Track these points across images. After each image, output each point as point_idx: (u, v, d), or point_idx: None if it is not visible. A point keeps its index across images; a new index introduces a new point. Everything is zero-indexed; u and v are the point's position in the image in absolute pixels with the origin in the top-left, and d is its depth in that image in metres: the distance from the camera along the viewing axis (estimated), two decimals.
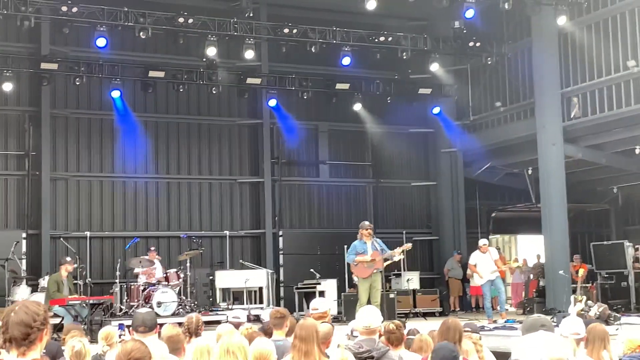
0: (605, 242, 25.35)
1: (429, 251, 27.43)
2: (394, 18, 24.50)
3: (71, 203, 23.35)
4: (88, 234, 22.71)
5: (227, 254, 23.61)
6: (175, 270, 20.24)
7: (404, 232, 25.50)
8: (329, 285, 21.27)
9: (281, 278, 24.56)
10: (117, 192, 23.87)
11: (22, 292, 18.95)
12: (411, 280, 23.43)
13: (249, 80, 23.57)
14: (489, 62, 24.09)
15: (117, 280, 19.44)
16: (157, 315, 16.78)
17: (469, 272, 23.29)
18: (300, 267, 23.41)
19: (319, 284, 21.34)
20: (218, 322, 14.26)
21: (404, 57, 23.00)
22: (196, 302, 20.35)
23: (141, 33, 20.24)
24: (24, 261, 21.39)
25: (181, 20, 20.58)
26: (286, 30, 21.83)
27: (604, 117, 21.96)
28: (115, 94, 22.56)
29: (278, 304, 22.42)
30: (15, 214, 22.74)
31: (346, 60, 22.56)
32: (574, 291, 18.98)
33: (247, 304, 20.69)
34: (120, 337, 12.22)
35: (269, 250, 24.80)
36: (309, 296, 21.30)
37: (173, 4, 21.87)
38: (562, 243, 22.32)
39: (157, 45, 23.66)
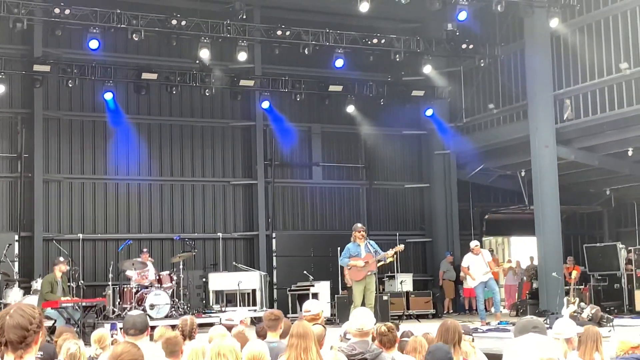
0: (598, 244, 25.41)
1: (422, 253, 27.45)
2: (386, 20, 24.53)
3: (64, 205, 23.30)
4: (81, 236, 22.67)
5: (221, 256, 23.59)
6: (168, 272, 20.22)
7: (398, 234, 25.51)
8: (323, 288, 21.27)
9: (274, 280, 24.54)
10: (109, 194, 23.83)
11: (14, 295, 18.90)
12: (404, 282, 23.45)
13: (242, 82, 23.57)
14: (482, 64, 24.12)
15: (110, 283, 19.42)
16: (150, 317, 16.81)
17: (462, 274, 23.31)
18: (293, 269, 23.40)
19: (313, 286, 21.36)
20: (211, 325, 14.24)
21: (397, 59, 23.01)
22: (189, 305, 20.32)
23: (134, 35, 20.22)
24: (16, 263, 21.33)
25: (174, 22, 20.57)
26: (279, 32, 21.83)
27: (597, 119, 22.01)
28: (108, 96, 22.54)
29: (271, 306, 22.39)
30: (7, 216, 22.68)
31: (339, 62, 22.58)
32: (567, 293, 19.06)
33: (240, 306, 20.66)
34: (112, 337, 12.21)
35: (262, 252, 24.79)
36: (303, 298, 21.27)
37: (166, 6, 21.85)
38: (555, 245, 22.34)
39: (150, 47, 23.64)
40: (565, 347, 6.78)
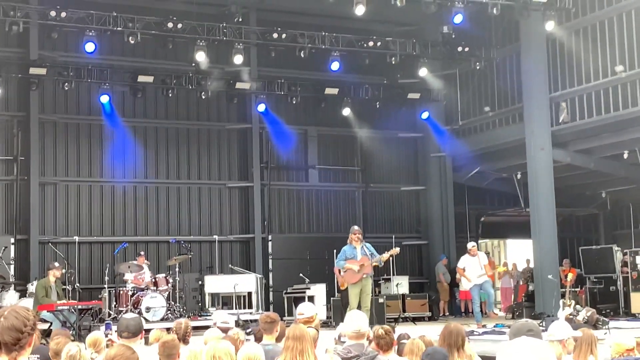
0: (594, 247, 25.44)
1: (418, 256, 27.46)
2: (382, 23, 24.55)
3: (60, 208, 23.28)
4: (77, 239, 22.62)
5: (216, 259, 23.56)
6: (164, 275, 20.22)
7: (393, 236, 25.46)
8: (318, 290, 21.26)
9: (270, 283, 24.54)
10: (105, 197, 23.81)
11: (10, 298, 18.89)
12: (400, 284, 23.44)
13: (238, 85, 23.58)
14: (478, 67, 24.14)
15: (106, 286, 19.40)
16: (146, 320, 16.83)
17: (458, 276, 23.33)
18: (289, 272, 23.38)
19: (309, 288, 21.34)
20: (207, 327, 14.22)
21: (393, 62, 23.05)
22: (185, 307, 20.32)
23: (130, 38, 20.21)
24: (12, 266, 21.33)
25: (170, 25, 20.57)
26: (275, 35, 21.83)
27: (593, 122, 22.05)
28: (104, 98, 22.55)
29: (267, 309, 22.39)
30: (3, 219, 22.64)
31: (335, 65, 22.60)
32: (563, 295, 19.04)
33: (236, 308, 20.65)
34: (107, 337, 12.20)
35: (258, 255, 24.78)
36: (299, 301, 21.23)
37: (162, 9, 21.87)
38: (551, 247, 22.37)
39: (146, 50, 23.63)
40: (560, 349, 6.79)
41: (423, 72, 23.75)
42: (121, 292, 19.03)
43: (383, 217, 27.34)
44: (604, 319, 16.83)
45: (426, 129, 26.73)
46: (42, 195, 22.93)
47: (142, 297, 18.60)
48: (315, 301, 20.49)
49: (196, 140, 25.01)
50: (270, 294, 24.37)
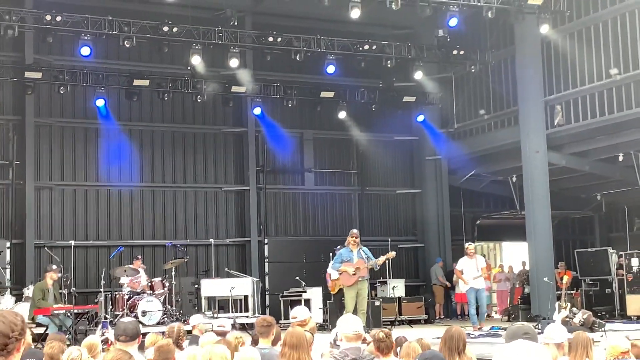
0: (589, 249, 25.48)
1: (414, 258, 27.48)
2: (378, 26, 24.59)
3: (55, 212, 23.26)
4: (72, 243, 22.57)
5: (213, 263, 23.53)
6: (160, 279, 20.20)
7: (389, 239, 25.51)
8: (315, 293, 21.25)
9: (267, 286, 24.54)
10: (101, 201, 23.80)
11: (6, 302, 18.85)
12: (396, 287, 23.45)
13: (234, 89, 23.58)
14: (473, 70, 24.18)
15: (102, 290, 19.36)
16: (142, 324, 16.82)
17: (455, 278, 23.36)
18: (285, 275, 23.40)
19: (305, 292, 21.35)
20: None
21: (389, 66, 23.08)
22: (181, 311, 20.29)
23: (125, 42, 20.23)
24: (8, 270, 21.30)
25: (166, 28, 20.59)
26: (271, 39, 21.87)
27: (587, 124, 22.09)
28: (100, 102, 22.54)
29: (263, 312, 22.38)
30: None
31: (331, 69, 22.63)
32: (559, 298, 19.08)
33: (232, 312, 20.64)
34: (103, 335, 12.19)
35: (255, 258, 24.78)
36: (295, 304, 21.22)
37: (157, 13, 21.87)
38: (547, 250, 22.39)
39: (141, 54, 23.66)
40: (556, 352, 6.80)
41: (418, 75, 23.78)
42: (117, 296, 19.01)
43: (379, 220, 27.36)
44: (600, 321, 16.87)
45: (422, 132, 26.77)
46: (37, 199, 22.91)
47: (138, 301, 18.58)
48: (312, 304, 20.50)
49: (192, 144, 25.01)
50: (267, 297, 24.38)
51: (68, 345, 8.98)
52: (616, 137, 22.24)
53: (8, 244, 21.81)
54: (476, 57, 24.12)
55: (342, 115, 25.08)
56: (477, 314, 19.25)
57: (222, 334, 9.39)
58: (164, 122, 24.66)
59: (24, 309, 17.56)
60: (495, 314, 26.85)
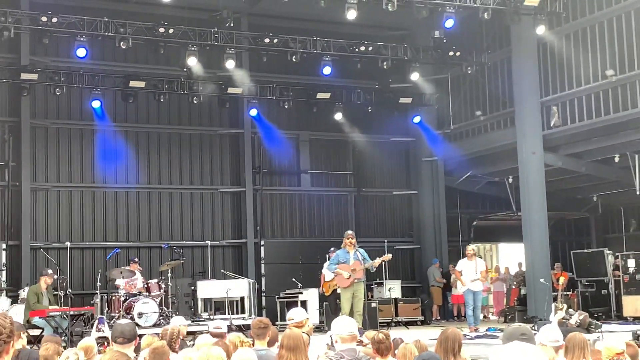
0: (585, 250, 25.50)
1: (411, 260, 27.48)
2: (374, 28, 24.59)
3: (51, 214, 23.23)
4: (68, 244, 22.57)
5: (209, 264, 23.53)
6: (156, 280, 20.17)
7: (386, 240, 25.52)
8: (311, 295, 21.24)
9: (263, 288, 24.52)
10: (97, 203, 23.78)
11: (1, 304, 18.84)
12: (393, 289, 23.45)
13: (230, 90, 23.57)
14: (469, 72, 24.17)
15: (98, 291, 19.33)
16: (139, 326, 16.78)
17: (452, 278, 23.38)
18: (282, 277, 23.38)
19: (301, 293, 21.33)
20: (200, 332, 14.21)
21: (385, 67, 23.06)
22: (177, 313, 20.25)
23: (121, 43, 20.20)
24: (3, 272, 21.28)
25: (162, 30, 20.57)
26: (267, 40, 21.86)
27: (584, 125, 22.11)
28: (96, 104, 22.52)
29: (260, 314, 22.38)
30: None
31: (327, 70, 22.62)
32: (555, 299, 19.07)
33: (228, 313, 20.63)
34: (100, 331, 12.17)
35: (251, 259, 24.77)
36: (291, 306, 21.24)
37: (153, 14, 21.84)
38: (543, 251, 22.41)
39: (137, 55, 23.65)
40: (552, 353, 6.80)
41: (415, 76, 23.78)
42: (113, 297, 18.97)
43: (375, 221, 27.36)
44: (597, 322, 16.86)
45: (418, 134, 26.77)
46: (33, 200, 22.88)
47: (134, 302, 18.55)
48: (308, 306, 20.48)
49: (188, 145, 24.99)
50: (263, 298, 24.37)
51: (64, 347, 8.96)
52: (612, 138, 22.26)
53: (4, 246, 21.80)
54: (472, 58, 24.12)
55: (338, 116, 25.07)
56: (474, 315, 19.26)
57: (218, 336, 9.37)
58: (160, 123, 24.64)
59: (19, 311, 17.55)
60: (492, 315, 26.86)
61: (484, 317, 25.12)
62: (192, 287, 21.79)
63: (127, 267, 19.99)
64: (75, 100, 23.40)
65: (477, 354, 11.67)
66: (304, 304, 20.64)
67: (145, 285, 19.68)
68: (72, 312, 16.60)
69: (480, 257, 26.56)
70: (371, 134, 26.69)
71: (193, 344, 9.26)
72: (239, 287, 21.44)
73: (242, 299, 21.60)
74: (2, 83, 22.13)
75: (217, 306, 21.58)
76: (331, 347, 8.35)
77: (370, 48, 22.76)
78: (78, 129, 23.75)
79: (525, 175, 22.70)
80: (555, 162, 23.74)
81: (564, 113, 22.59)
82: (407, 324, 22.10)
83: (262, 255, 25.05)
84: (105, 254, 22.44)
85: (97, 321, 16.90)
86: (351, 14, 19.52)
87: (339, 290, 17.89)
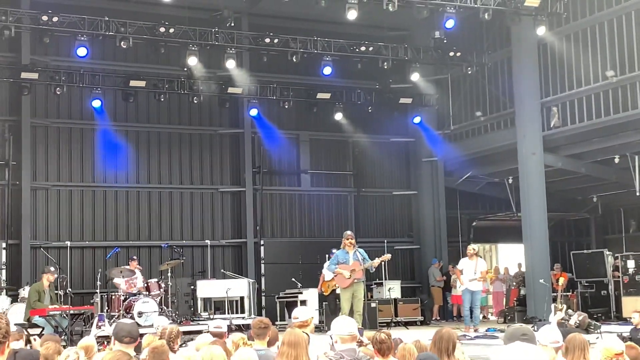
0: (585, 251, 25.51)
1: (410, 260, 27.48)
2: (374, 28, 24.57)
3: (51, 213, 23.24)
4: (68, 243, 22.57)
5: (209, 264, 23.54)
6: (156, 280, 20.18)
7: (385, 241, 25.52)
8: (311, 295, 21.25)
9: (263, 287, 24.53)
10: (97, 202, 23.78)
11: (1, 303, 18.85)
12: (392, 289, 23.45)
13: (230, 90, 23.57)
14: (469, 72, 24.17)
15: (98, 291, 19.35)
16: (138, 325, 16.77)
17: (453, 278, 23.38)
18: (281, 277, 23.38)
19: (301, 293, 21.34)
20: (199, 332, 14.23)
21: (385, 67, 23.06)
22: (177, 312, 20.28)
23: (122, 42, 20.20)
24: (3, 271, 21.30)
25: (162, 29, 20.58)
26: (267, 40, 21.86)
27: (584, 126, 22.11)
28: (96, 103, 22.52)
29: (260, 314, 22.40)
30: None
31: (327, 70, 22.63)
32: (555, 300, 19.08)
33: (228, 313, 20.65)
34: (99, 328, 12.16)
35: (251, 259, 24.77)
36: (291, 305, 21.28)
37: (154, 14, 21.85)
38: (543, 252, 22.42)
39: (138, 55, 23.64)
40: (553, 354, 6.80)
41: (415, 77, 23.79)
42: (113, 297, 18.98)
43: (375, 221, 27.37)
44: (596, 323, 16.86)
45: (418, 134, 26.78)
46: (34, 200, 22.89)
47: (134, 302, 18.56)
48: (308, 306, 20.47)
49: (188, 145, 25.00)
50: (263, 298, 24.37)
51: (63, 346, 8.96)
52: (612, 139, 22.26)
53: (4, 245, 21.80)
54: (473, 58, 24.14)
55: (338, 116, 25.08)
56: (472, 316, 19.27)
57: (218, 335, 9.38)
58: (160, 123, 24.65)
59: (19, 310, 17.56)
60: (491, 315, 26.87)
61: (484, 317, 25.12)
62: (192, 287, 21.81)
63: (127, 267, 20.00)
64: (76, 100, 23.41)
65: (477, 354, 11.69)
66: (303, 303, 20.64)
67: (145, 285, 19.70)
68: (72, 311, 16.59)
69: (481, 257, 26.62)
70: (371, 134, 26.71)
71: (183, 344, 9.29)
72: (238, 287, 21.46)
73: (242, 298, 21.62)
74: (3, 82, 22.14)
75: (217, 306, 21.60)
76: (332, 347, 8.36)
77: (370, 48, 22.78)
78: (78, 129, 23.76)
79: (525, 176, 22.71)
80: (555, 163, 23.75)
81: (564, 114, 22.60)
82: (407, 324, 22.10)
83: (262, 255, 25.06)
84: (105, 253, 22.46)
85: (97, 319, 16.91)
86: (351, 14, 19.52)
87: (338, 291, 17.90)
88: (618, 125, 21.36)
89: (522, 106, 22.83)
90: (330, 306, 19.27)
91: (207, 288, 21.56)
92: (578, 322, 16.11)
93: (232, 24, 21.84)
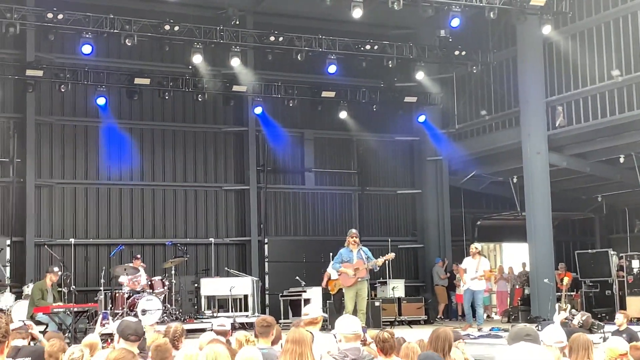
0: (589, 251, 25.45)
1: (414, 259, 27.46)
2: (379, 26, 24.57)
3: (56, 210, 23.25)
4: (73, 241, 22.59)
5: (212, 262, 23.56)
6: (160, 277, 20.21)
7: (389, 239, 25.51)
8: (315, 293, 21.24)
9: (266, 286, 24.54)
10: (102, 199, 23.79)
11: (5, 300, 18.87)
12: (396, 288, 23.44)
13: (235, 88, 23.57)
14: (474, 71, 24.15)
15: (102, 288, 19.38)
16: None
17: (458, 277, 23.37)
18: (285, 275, 23.38)
19: (305, 291, 21.34)
20: (203, 330, 14.23)
21: (390, 66, 23.05)
22: (181, 310, 20.30)
23: (127, 40, 20.19)
24: (7, 268, 21.30)
25: (167, 27, 20.57)
26: (272, 38, 21.84)
27: (589, 126, 22.07)
28: (101, 101, 22.51)
29: (263, 312, 22.39)
30: None
31: (332, 68, 22.60)
32: (559, 299, 19.07)
33: (232, 311, 20.66)
34: (104, 326, 12.17)
35: (255, 257, 24.77)
36: (295, 304, 21.30)
37: (159, 11, 21.87)
38: (547, 251, 22.38)
39: (142, 53, 23.65)
40: (558, 354, 6.79)
41: (420, 75, 23.74)
42: (117, 294, 19.01)
43: (379, 220, 27.35)
44: (599, 323, 16.84)
45: (423, 133, 26.74)
46: (38, 197, 22.90)
47: (138, 299, 18.57)
48: (311, 304, 20.46)
49: (192, 143, 25.00)
50: (267, 297, 24.37)
51: (67, 344, 8.97)
52: (617, 138, 22.22)
53: (8, 242, 21.81)
54: (478, 57, 24.10)
55: (342, 115, 25.06)
56: (476, 315, 19.27)
57: (222, 334, 9.38)
58: (164, 120, 24.65)
59: (23, 306, 17.58)
60: (495, 315, 26.85)
61: (487, 316, 25.10)
62: (196, 285, 21.82)
63: (131, 264, 20.04)
64: (80, 97, 23.42)
65: (481, 353, 11.67)
66: (307, 302, 20.65)
67: (149, 283, 19.72)
68: (75, 309, 16.62)
69: (485, 257, 26.60)
70: (376, 133, 26.69)
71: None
72: (242, 285, 21.47)
73: (246, 296, 21.65)
74: (8, 79, 22.15)
75: (221, 304, 21.62)
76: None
77: (375, 47, 22.75)
78: (83, 126, 23.77)
79: (529, 175, 22.68)
80: (560, 162, 23.71)
81: (569, 113, 22.56)
82: (411, 323, 22.08)
83: (266, 253, 25.06)
84: (109, 250, 22.49)
85: (101, 316, 16.91)
86: (357, 13, 19.50)
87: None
88: (623, 125, 21.32)
89: (527, 105, 22.79)
90: (335, 305, 19.27)
91: (211, 286, 21.57)
92: (581, 322, 16.09)
93: (237, 22, 21.85)
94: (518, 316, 22.62)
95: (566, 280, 20.15)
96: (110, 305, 18.81)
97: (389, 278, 23.87)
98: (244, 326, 18.08)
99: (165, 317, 18.76)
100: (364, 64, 23.30)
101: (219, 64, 23.22)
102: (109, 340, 10.95)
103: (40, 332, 11.71)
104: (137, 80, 22.45)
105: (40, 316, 16.03)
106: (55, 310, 16.10)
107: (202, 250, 24.37)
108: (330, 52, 22.37)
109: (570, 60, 22.40)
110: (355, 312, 16.14)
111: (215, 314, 20.56)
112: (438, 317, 24.47)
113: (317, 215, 26.46)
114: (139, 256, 21.08)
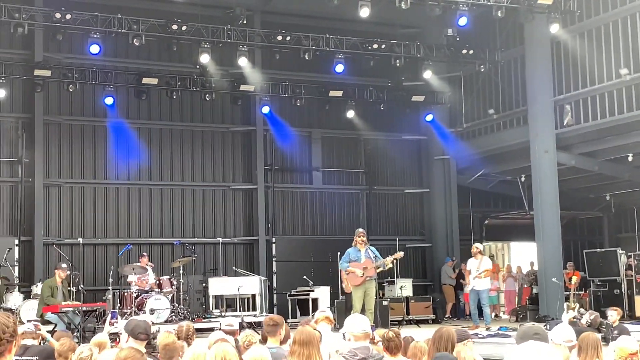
0: (598, 250, 25.40)
1: (422, 258, 27.44)
2: (387, 25, 24.56)
3: (64, 210, 23.30)
4: (81, 240, 22.64)
5: (220, 261, 23.58)
6: (168, 277, 20.23)
7: (397, 239, 25.48)
8: (322, 293, 21.26)
9: (274, 285, 24.54)
10: (110, 199, 23.84)
11: (14, 299, 18.92)
12: (404, 287, 23.42)
13: (243, 87, 23.59)
14: (482, 70, 24.11)
15: (110, 287, 19.41)
16: (151, 322, 16.81)
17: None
18: (293, 274, 23.38)
19: (312, 291, 21.35)
20: (211, 330, 14.24)
21: (397, 65, 23.04)
22: (189, 309, 20.32)
23: (135, 40, 20.23)
24: (16, 268, 21.35)
25: (175, 27, 20.60)
26: (279, 38, 21.85)
27: (597, 124, 22.03)
28: (109, 100, 22.55)
29: (271, 311, 22.40)
30: (8, 220, 22.68)
31: (339, 68, 22.59)
32: (567, 299, 19.04)
33: (240, 311, 20.66)
34: (112, 325, 12.20)
35: (262, 257, 24.78)
36: (302, 303, 21.31)
37: (167, 11, 21.89)
38: (555, 250, 22.34)
39: (150, 52, 23.69)
40: (567, 353, 6.78)
41: (427, 74, 23.72)
42: (125, 294, 19.04)
43: (387, 219, 27.34)
44: (608, 322, 16.78)
45: (430, 132, 26.72)
46: (46, 196, 22.96)
47: (146, 299, 18.61)
48: (319, 303, 20.48)
49: (200, 142, 25.03)
50: (274, 296, 24.38)
51: (76, 343, 8.99)
52: (626, 137, 22.17)
53: (17, 241, 21.86)
54: (485, 56, 24.07)
55: (350, 114, 25.06)
56: (483, 315, 19.24)
57: (230, 333, 9.39)
58: (172, 120, 24.68)
59: (32, 306, 17.62)
60: (503, 314, 26.82)
61: (495, 316, 25.07)
62: (204, 284, 21.84)
63: (139, 264, 20.07)
64: (88, 97, 23.47)
65: (490, 352, 11.66)
66: (315, 301, 20.67)
67: (157, 282, 19.75)
68: (84, 308, 16.64)
69: (490, 256, 26.56)
70: (383, 132, 26.69)
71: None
72: (250, 284, 21.48)
73: (254, 296, 21.65)
74: (16, 79, 22.20)
75: (229, 303, 21.63)
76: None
77: (383, 46, 22.74)
78: (91, 126, 23.82)
79: (537, 174, 22.64)
80: (568, 161, 23.67)
81: (577, 112, 22.52)
82: (419, 322, 22.05)
83: (274, 252, 25.07)
84: (117, 250, 22.52)
85: (109, 315, 16.93)
86: (364, 12, 19.51)
87: None
88: (632, 124, 21.26)
89: (535, 104, 22.75)
90: (347, 304, 19.24)
91: (219, 285, 21.58)
92: (589, 321, 16.03)
93: (245, 22, 21.86)
94: (526, 315, 22.58)
95: (574, 279, 20.12)
96: (119, 305, 18.84)
97: (397, 277, 23.86)
98: (252, 325, 18.10)
99: (174, 317, 18.78)
100: (372, 63, 23.29)
101: (227, 64, 23.23)
102: (118, 340, 10.98)
103: (48, 331, 11.75)
104: (145, 80, 22.49)
105: (49, 315, 16.06)
106: (64, 309, 16.13)
107: (210, 249, 24.40)
108: (338, 52, 22.37)
109: (578, 58, 22.36)
110: (363, 312, 16.14)
111: (223, 314, 20.58)
112: (446, 316, 24.43)
113: (324, 214, 26.46)
114: (145, 254, 21.12)
